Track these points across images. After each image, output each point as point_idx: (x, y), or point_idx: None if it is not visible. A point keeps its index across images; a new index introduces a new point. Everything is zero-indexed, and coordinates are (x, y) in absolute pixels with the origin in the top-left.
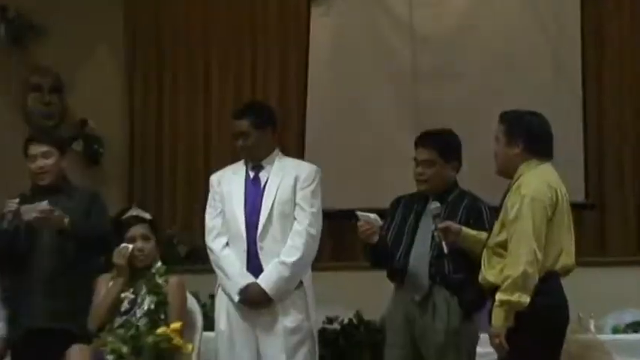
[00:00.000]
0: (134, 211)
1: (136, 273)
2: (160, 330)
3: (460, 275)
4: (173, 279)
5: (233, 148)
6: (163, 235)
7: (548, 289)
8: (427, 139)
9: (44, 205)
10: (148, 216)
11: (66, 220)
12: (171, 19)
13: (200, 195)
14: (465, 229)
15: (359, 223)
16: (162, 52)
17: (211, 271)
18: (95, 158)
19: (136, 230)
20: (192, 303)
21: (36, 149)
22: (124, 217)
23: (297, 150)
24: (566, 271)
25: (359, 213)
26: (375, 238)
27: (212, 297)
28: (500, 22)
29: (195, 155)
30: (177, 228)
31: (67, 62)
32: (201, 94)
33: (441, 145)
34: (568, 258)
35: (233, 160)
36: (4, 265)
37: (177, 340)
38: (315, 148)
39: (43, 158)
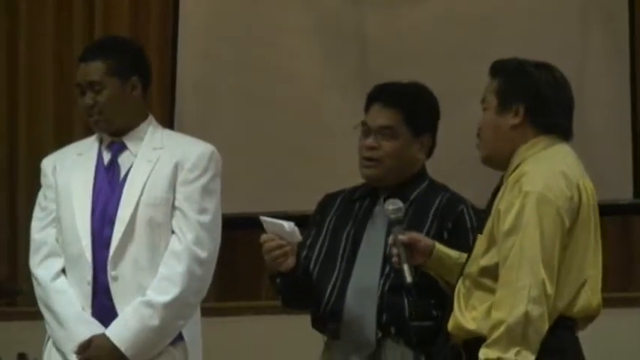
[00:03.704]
0: None
1: None
2: None
3: (429, 322)
4: None
5: (55, 117)
6: None
7: (560, 345)
8: (388, 95)
9: None
10: None
11: None
12: None
13: (1, 195)
14: (440, 247)
15: (263, 238)
16: None
17: (22, 315)
18: None
19: None
20: None
21: None
22: None
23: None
24: (589, 316)
25: (265, 219)
26: (290, 263)
27: (22, 358)
28: None
29: None
30: None
31: None
32: (3, 33)
33: (410, 106)
34: (593, 295)
35: (58, 139)
36: None
37: None
38: (190, 120)
39: None
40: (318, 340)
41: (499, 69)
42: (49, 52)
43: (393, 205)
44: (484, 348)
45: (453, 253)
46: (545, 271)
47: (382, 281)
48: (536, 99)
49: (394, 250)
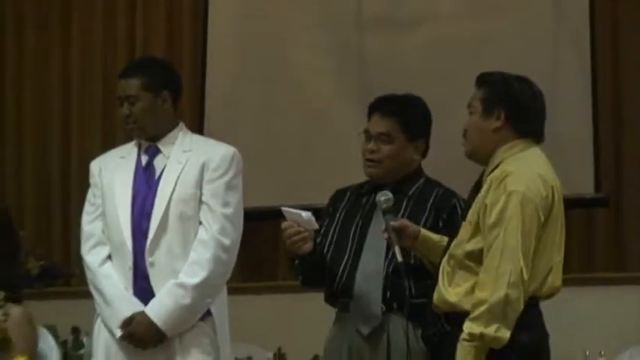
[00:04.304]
0: None
1: None
2: None
3: (425, 299)
4: (15, 311)
5: (103, 126)
6: (9, 250)
7: (529, 321)
8: (386, 106)
9: None
10: None
11: None
12: None
13: (55, 191)
14: (425, 232)
15: (284, 225)
16: None
17: (75, 295)
18: None
19: None
20: (46, 340)
21: None
22: None
23: (191, 129)
24: (551, 294)
25: (285, 210)
26: (308, 247)
27: (76, 331)
28: None
29: (49, 136)
30: (27, 234)
31: None
32: (57, 50)
33: (405, 115)
34: (556, 279)
35: (105, 144)
36: None
37: None
38: (217, 125)
39: None
40: (329, 314)
41: (485, 80)
42: (98, 69)
43: (384, 196)
44: (468, 322)
45: (436, 237)
46: (523, 260)
47: (386, 264)
48: (515, 107)
49: (386, 235)
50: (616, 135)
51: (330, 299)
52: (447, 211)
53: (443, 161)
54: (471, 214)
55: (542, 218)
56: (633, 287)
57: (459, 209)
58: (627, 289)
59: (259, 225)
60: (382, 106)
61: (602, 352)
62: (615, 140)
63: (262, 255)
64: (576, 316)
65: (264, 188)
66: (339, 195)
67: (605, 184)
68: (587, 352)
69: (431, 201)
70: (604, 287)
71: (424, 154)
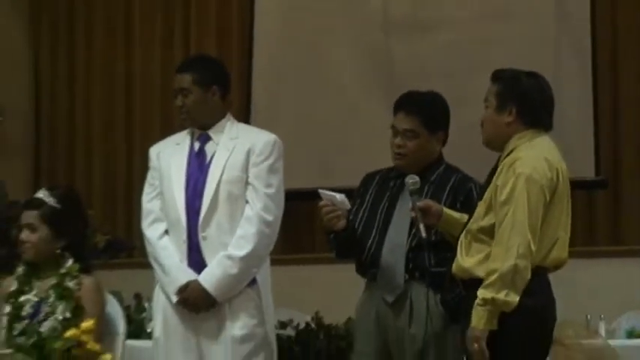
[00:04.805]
0: (39, 193)
1: (38, 270)
2: (68, 333)
3: (443, 269)
4: (87, 281)
5: (161, 116)
6: (79, 226)
7: (536, 288)
8: (409, 104)
9: None
10: (51, 201)
11: None
12: None
13: (120, 175)
14: (448, 211)
15: (321, 204)
16: (74, 5)
17: (137, 265)
18: None
19: (25, 217)
20: (112, 305)
21: None
22: None
23: (238, 119)
24: (558, 266)
25: (322, 191)
26: (342, 224)
27: (138, 297)
28: None
29: (115, 126)
30: (95, 213)
31: None
32: (121, 52)
33: (426, 112)
34: (561, 251)
35: (163, 132)
36: None
37: (91, 345)
38: (262, 116)
39: None
40: (360, 283)
41: (498, 76)
42: (157, 67)
43: (412, 180)
44: (482, 289)
45: (457, 215)
46: (530, 234)
47: (409, 239)
48: (525, 102)
49: (412, 214)
50: (614, 125)
51: (360, 269)
52: (464, 194)
53: (460, 146)
54: (486, 194)
55: (548, 197)
56: (630, 259)
57: (474, 192)
58: (625, 262)
59: (298, 204)
60: (406, 104)
61: (602, 316)
62: (613, 129)
63: (301, 230)
64: (579, 285)
65: (303, 172)
66: (368, 178)
67: (605, 168)
68: (589, 317)
69: (450, 185)
70: (604, 259)
71: (444, 143)
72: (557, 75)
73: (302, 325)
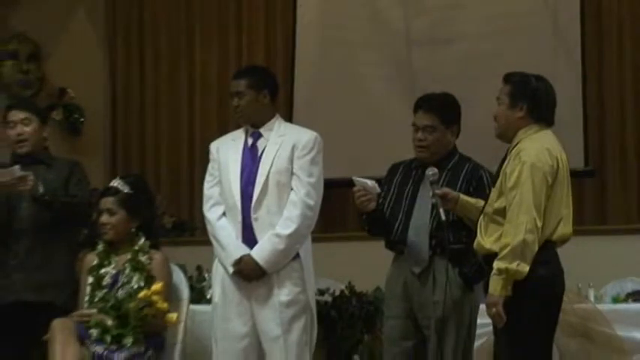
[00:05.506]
0: (114, 182)
1: (116, 247)
2: (141, 294)
3: (461, 245)
4: (157, 255)
5: (218, 116)
6: (149, 208)
7: (546, 259)
8: (428, 104)
9: (17, 169)
10: (125, 188)
11: (40, 188)
12: None
13: (183, 166)
14: (463, 197)
15: (355, 189)
16: (143, 16)
17: (198, 242)
18: (76, 128)
19: (103, 202)
20: (178, 275)
21: (15, 116)
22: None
23: (284, 119)
24: (564, 240)
25: (355, 178)
26: (372, 206)
27: (199, 269)
28: None
29: (179, 125)
30: (162, 198)
31: (43, 28)
32: (185, 61)
33: (442, 109)
34: (566, 227)
35: (220, 130)
36: None
37: (160, 304)
38: (303, 116)
39: (23, 125)
40: (387, 257)
41: (510, 78)
42: (214, 74)
43: (432, 171)
44: (497, 261)
45: (472, 200)
46: (535, 212)
47: (432, 220)
48: (533, 101)
49: (433, 200)
50: (600, 124)
51: (389, 245)
52: (476, 180)
53: (471, 139)
54: (497, 181)
55: (550, 181)
56: (614, 237)
57: (484, 179)
58: (609, 238)
59: (334, 191)
60: (425, 104)
61: (591, 285)
62: (600, 126)
63: (337, 213)
64: (571, 259)
65: (338, 164)
66: (394, 168)
67: (592, 160)
68: (579, 285)
69: (463, 173)
70: (592, 237)
71: (457, 136)
72: (553, 82)
73: (337, 293)
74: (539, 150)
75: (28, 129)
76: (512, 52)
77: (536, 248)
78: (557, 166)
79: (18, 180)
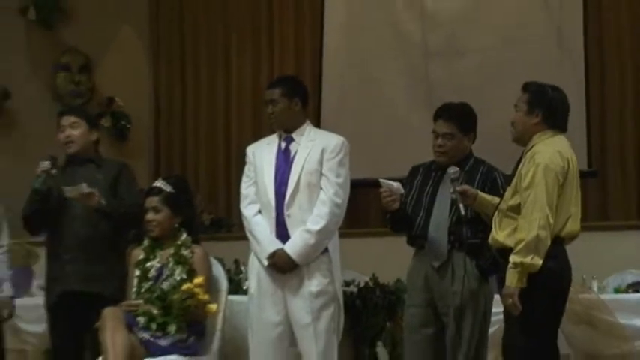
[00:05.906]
0: (158, 183)
1: (160, 242)
2: (184, 286)
3: (477, 239)
4: (198, 250)
5: (252, 122)
6: (190, 207)
7: (555, 253)
8: (447, 113)
9: (84, 186)
10: (167, 188)
11: (103, 201)
12: (192, 1)
13: (220, 168)
14: (481, 194)
15: (381, 190)
16: (184, 32)
17: (235, 238)
18: (123, 134)
19: (149, 202)
20: (217, 268)
21: (66, 120)
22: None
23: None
24: (572, 236)
25: (382, 180)
26: (396, 206)
27: (236, 262)
28: (506, 1)
29: (216, 130)
30: (202, 198)
31: (93, 43)
32: (221, 72)
33: (460, 118)
34: (574, 224)
35: (254, 135)
36: (38, 226)
37: (202, 295)
38: (330, 123)
39: (71, 129)
40: (408, 252)
41: (528, 87)
42: (249, 84)
43: (453, 170)
44: (512, 255)
45: (489, 197)
46: (548, 210)
47: (450, 217)
48: (550, 109)
49: (453, 196)
50: (602, 128)
51: (410, 241)
52: (490, 182)
53: (486, 144)
54: (513, 181)
55: (561, 181)
56: (615, 232)
57: (498, 180)
58: (610, 234)
59: (360, 190)
60: (444, 113)
61: (594, 276)
62: (601, 131)
63: (362, 211)
64: (576, 253)
65: (363, 166)
66: (414, 170)
67: (595, 162)
68: (584, 276)
69: (478, 175)
70: (595, 232)
71: (473, 141)
72: (560, 83)
73: (362, 284)
74: (552, 153)
75: (75, 132)
76: (520, 61)
77: (549, 243)
78: (568, 167)
79: (85, 196)
